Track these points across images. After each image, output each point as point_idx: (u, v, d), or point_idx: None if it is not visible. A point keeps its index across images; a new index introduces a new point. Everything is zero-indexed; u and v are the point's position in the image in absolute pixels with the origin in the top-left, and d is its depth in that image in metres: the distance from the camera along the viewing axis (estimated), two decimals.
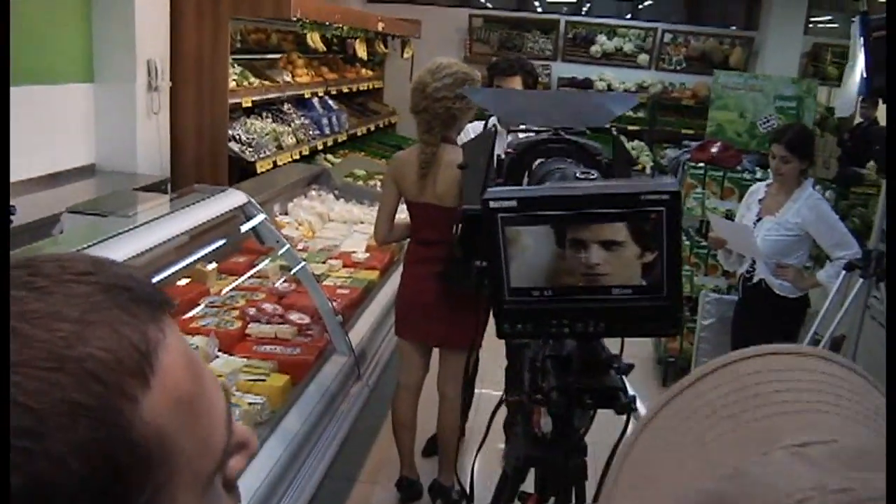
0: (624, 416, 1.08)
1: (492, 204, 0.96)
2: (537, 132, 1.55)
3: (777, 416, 0.41)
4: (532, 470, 1.47)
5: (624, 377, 1.12)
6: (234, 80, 5.96)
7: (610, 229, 0.96)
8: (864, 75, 3.18)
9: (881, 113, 7.83)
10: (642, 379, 5.94)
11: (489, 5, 11.40)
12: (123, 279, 0.45)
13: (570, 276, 1.00)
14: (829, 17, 11.27)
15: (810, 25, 11.13)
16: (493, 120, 1.78)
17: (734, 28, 10.62)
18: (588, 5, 11.65)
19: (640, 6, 11.46)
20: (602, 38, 10.41)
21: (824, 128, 9.20)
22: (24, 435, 0.37)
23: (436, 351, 3.78)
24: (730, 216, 4.93)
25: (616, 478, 0.44)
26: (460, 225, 1.17)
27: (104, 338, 0.41)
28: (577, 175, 1.12)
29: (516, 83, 3.95)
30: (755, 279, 4.09)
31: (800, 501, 0.31)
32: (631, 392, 1.09)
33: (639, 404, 1.19)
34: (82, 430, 0.38)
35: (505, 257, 0.99)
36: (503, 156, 1.51)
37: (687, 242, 5.32)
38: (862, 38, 3.14)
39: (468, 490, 1.53)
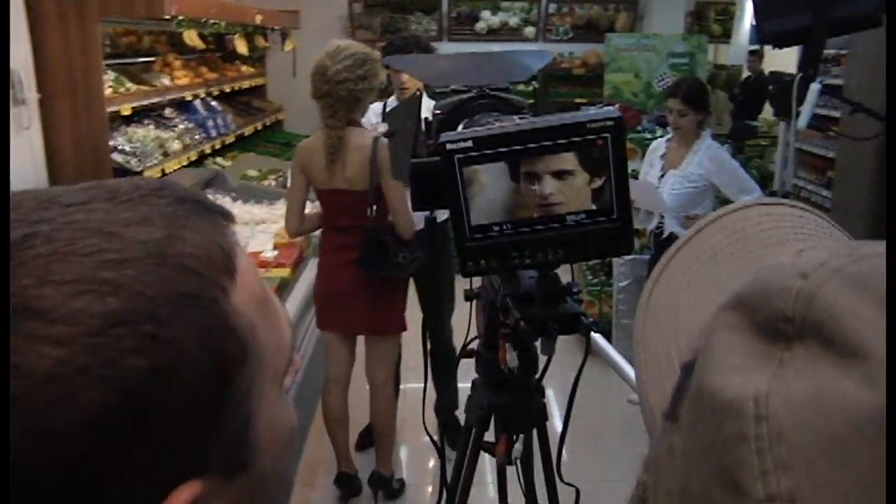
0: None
1: (449, 146, 1.06)
2: (463, 92, 1.65)
3: (771, 245, 0.51)
4: (493, 420, 1.58)
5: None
6: (110, 86, 5.86)
7: (560, 159, 1.08)
8: (754, 24, 3.39)
9: (767, 65, 8.27)
10: (567, 348, 6.13)
11: None
12: (191, 193, 0.52)
13: (527, 209, 1.10)
14: None
15: None
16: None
17: None
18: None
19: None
20: (486, 13, 10.61)
21: (715, 84, 9.64)
22: (146, 321, 0.43)
23: (360, 339, 3.87)
24: (635, 176, 5.17)
25: (643, 324, 0.54)
26: (410, 180, 1.25)
27: (194, 239, 0.47)
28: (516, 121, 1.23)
29: None
30: (665, 233, 4.32)
31: (804, 274, 0.37)
32: (590, 318, 1.20)
33: (595, 336, 1.31)
34: (194, 317, 0.45)
35: (464, 197, 1.09)
36: (430, 118, 1.61)
37: None
38: None
39: (439, 443, 1.63)
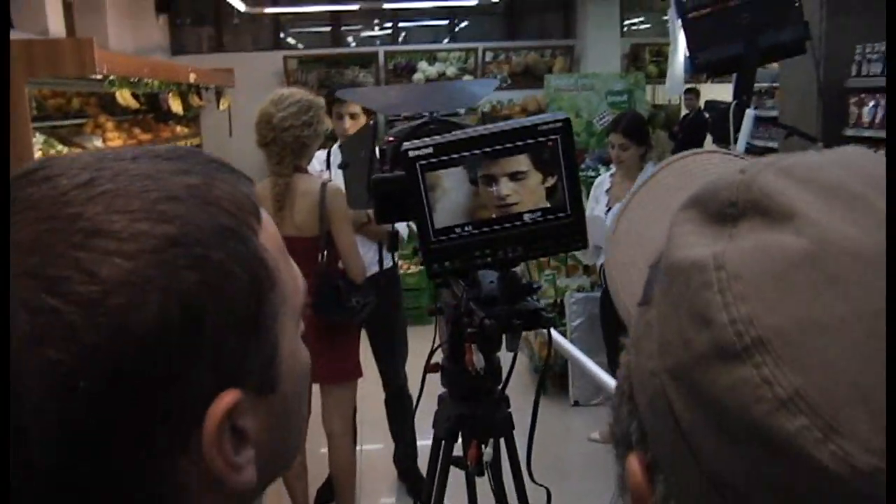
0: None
1: (411, 153, 1.17)
2: (415, 119, 1.77)
3: (714, 176, 0.63)
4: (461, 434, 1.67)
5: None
6: (40, 149, 5.88)
7: (514, 161, 1.19)
8: (688, 55, 3.60)
9: (703, 101, 8.62)
10: (522, 391, 6.24)
11: (300, 46, 11.68)
12: (216, 157, 0.63)
13: (486, 210, 1.22)
14: (641, 19, 12.26)
15: (625, 29, 12.09)
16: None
17: (553, 39, 11.37)
18: (404, 33, 12.15)
19: (457, 28, 12.07)
20: (423, 64, 10.88)
21: (654, 123, 9.98)
22: (197, 245, 0.53)
23: (315, 390, 3.91)
24: None
25: (610, 249, 0.66)
26: (373, 194, 1.36)
27: (226, 187, 0.58)
28: None
29: (355, 109, 4.16)
30: None
31: (743, 171, 0.49)
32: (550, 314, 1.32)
33: (555, 334, 1.42)
34: (233, 246, 0.55)
35: (427, 201, 1.20)
36: (384, 146, 1.72)
37: None
38: (679, 21, 3.57)
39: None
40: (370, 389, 4.40)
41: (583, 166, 5.76)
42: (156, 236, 0.52)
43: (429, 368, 1.60)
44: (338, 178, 4.03)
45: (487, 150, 1.19)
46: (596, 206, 4.63)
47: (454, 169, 1.19)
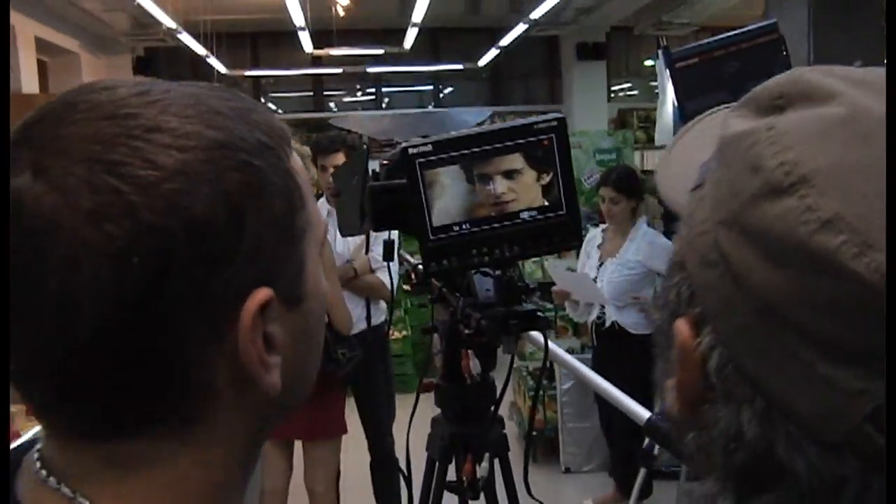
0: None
1: (410, 150, 1.26)
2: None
3: None
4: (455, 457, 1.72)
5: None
6: None
7: (508, 159, 1.28)
8: (676, 104, 3.73)
9: None
10: (513, 458, 6.23)
11: (281, 111, 11.89)
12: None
13: (483, 208, 1.30)
14: (628, 84, 12.58)
15: (612, 94, 12.40)
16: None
17: (539, 104, 11.65)
18: (387, 99, 12.41)
19: (442, 94, 12.34)
20: None
21: (644, 189, 10.17)
22: (241, 151, 0.61)
23: (298, 447, 3.93)
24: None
25: (661, 166, 0.75)
26: (368, 203, 1.44)
27: (265, 116, 0.66)
28: None
29: (339, 159, 4.25)
30: (607, 323, 4.53)
31: (789, 73, 0.59)
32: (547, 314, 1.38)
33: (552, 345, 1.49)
34: (272, 159, 0.63)
35: (426, 199, 1.28)
36: (378, 169, 1.81)
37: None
38: (668, 71, 3.72)
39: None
40: (356, 446, 4.42)
41: None
42: (206, 137, 0.60)
43: (423, 388, 1.65)
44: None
45: (484, 148, 1.27)
46: (588, 261, 4.73)
47: (452, 167, 1.27)
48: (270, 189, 0.62)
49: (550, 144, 1.27)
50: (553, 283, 4.72)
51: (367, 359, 3.89)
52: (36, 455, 0.63)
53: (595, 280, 4.57)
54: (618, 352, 4.49)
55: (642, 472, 4.16)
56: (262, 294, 0.61)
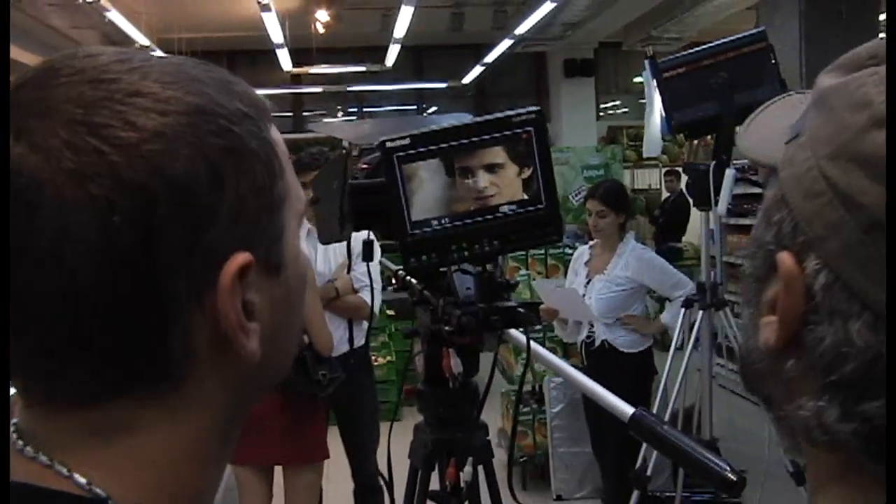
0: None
1: (388, 144, 1.30)
2: None
3: None
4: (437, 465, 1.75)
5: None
6: None
7: (490, 153, 1.32)
8: (664, 115, 3.79)
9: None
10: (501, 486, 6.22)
11: None
12: None
13: (463, 203, 1.34)
14: (617, 102, 12.72)
15: (601, 113, 12.53)
16: None
17: None
18: (369, 118, 12.48)
19: (426, 112, 12.43)
20: None
21: (634, 209, 10.25)
22: (222, 118, 0.64)
23: (278, 473, 3.93)
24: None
25: (746, 127, 0.81)
26: (348, 201, 1.47)
27: (244, 88, 0.70)
28: None
29: None
30: (597, 342, 4.56)
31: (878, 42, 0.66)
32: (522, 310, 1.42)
33: (535, 346, 1.52)
34: (252, 127, 0.67)
35: (404, 193, 1.31)
36: (357, 174, 1.84)
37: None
38: (654, 81, 3.78)
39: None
40: (338, 472, 4.42)
41: (558, 243, 5.92)
42: (187, 102, 0.64)
43: (405, 392, 1.67)
44: (301, 245, 4.14)
45: (464, 141, 1.31)
46: (575, 278, 4.75)
47: (431, 161, 1.31)
48: (250, 155, 0.66)
49: (530, 137, 1.31)
50: (541, 303, 4.75)
51: (350, 381, 3.90)
52: (12, 427, 0.65)
53: (583, 298, 4.60)
54: (609, 371, 4.48)
55: (635, 494, 4.20)
56: (242, 257, 0.64)
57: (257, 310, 0.67)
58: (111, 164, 0.59)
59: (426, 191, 1.32)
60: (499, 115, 1.32)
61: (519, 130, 1.31)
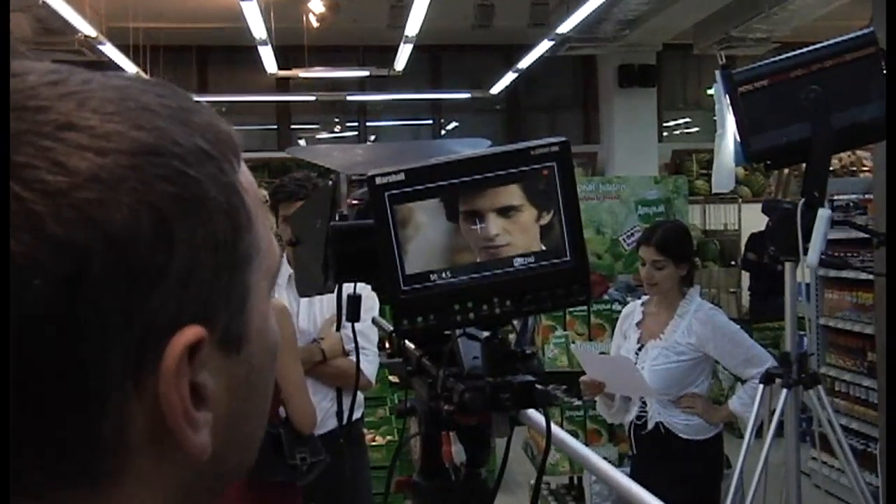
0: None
1: (378, 180, 1.33)
2: None
3: None
4: None
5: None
6: None
7: (505, 193, 1.35)
8: (738, 139, 3.79)
9: None
10: None
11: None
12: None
13: (469, 253, 1.37)
14: (686, 119, 12.73)
15: (665, 133, 12.54)
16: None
17: None
18: (373, 137, 12.62)
19: (444, 130, 12.57)
20: None
21: (706, 255, 10.27)
22: (175, 158, 0.66)
23: None
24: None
25: None
26: (331, 247, 1.51)
27: (206, 118, 0.72)
28: None
29: None
30: (650, 425, 4.54)
31: None
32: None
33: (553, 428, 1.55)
34: (212, 170, 0.69)
35: (396, 240, 1.35)
36: (346, 211, 1.87)
37: (554, 410, 5.81)
38: (727, 97, 3.79)
39: None
40: None
41: (606, 297, 5.94)
42: (132, 139, 0.65)
43: (396, 485, 1.69)
44: (281, 295, 4.19)
45: (471, 178, 1.34)
46: (624, 343, 4.75)
47: (431, 201, 1.34)
48: (208, 205, 0.67)
49: (551, 175, 1.34)
50: (581, 373, 4.75)
51: (337, 466, 3.92)
52: None
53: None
54: (664, 463, 4.47)
55: None
56: (192, 332, 0.66)
57: (210, 396, 0.69)
58: (33, 215, 0.59)
59: (424, 238, 1.35)
60: (514, 147, 1.35)
61: (539, 166, 1.34)
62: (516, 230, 1.37)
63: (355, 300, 1.68)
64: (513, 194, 1.36)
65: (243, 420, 0.75)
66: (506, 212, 1.37)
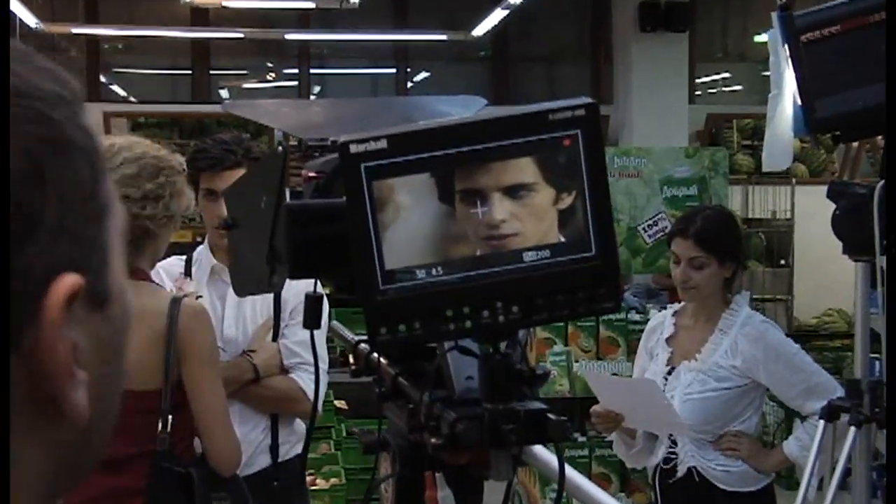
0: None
1: (353, 148, 1.32)
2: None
3: None
4: None
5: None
6: None
7: (514, 168, 1.34)
8: (799, 102, 3.75)
9: None
10: None
11: (133, 98, 12.01)
12: None
13: (466, 244, 1.36)
14: (726, 74, 12.71)
15: (697, 93, 12.52)
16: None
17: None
18: (317, 87, 12.64)
19: (411, 82, 12.59)
20: None
21: (749, 251, 10.29)
22: (39, 101, 0.77)
23: None
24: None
25: None
26: (282, 231, 1.51)
27: (50, 63, 0.83)
28: None
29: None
30: (680, 471, 4.48)
31: None
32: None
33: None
34: (73, 116, 0.81)
35: (374, 226, 1.34)
36: (301, 187, 1.86)
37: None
38: (786, 47, 3.74)
39: None
40: None
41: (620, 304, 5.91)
42: None
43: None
44: (201, 293, 4.17)
45: (472, 149, 1.34)
46: (650, 365, 4.67)
47: (419, 176, 1.33)
48: (71, 147, 0.79)
49: (574, 145, 1.35)
50: (587, 399, 4.71)
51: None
52: None
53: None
54: None
55: None
56: (71, 280, 0.75)
57: (82, 354, 0.78)
58: None
59: (409, 223, 1.34)
60: (527, 109, 1.35)
61: (559, 134, 1.34)
62: (528, 216, 1.36)
63: (316, 301, 1.67)
64: (524, 170, 1.36)
65: (107, 386, 0.85)
66: (515, 192, 1.36)
